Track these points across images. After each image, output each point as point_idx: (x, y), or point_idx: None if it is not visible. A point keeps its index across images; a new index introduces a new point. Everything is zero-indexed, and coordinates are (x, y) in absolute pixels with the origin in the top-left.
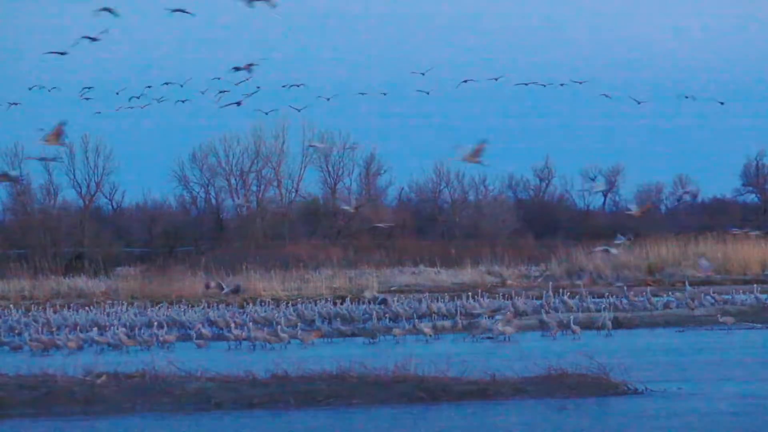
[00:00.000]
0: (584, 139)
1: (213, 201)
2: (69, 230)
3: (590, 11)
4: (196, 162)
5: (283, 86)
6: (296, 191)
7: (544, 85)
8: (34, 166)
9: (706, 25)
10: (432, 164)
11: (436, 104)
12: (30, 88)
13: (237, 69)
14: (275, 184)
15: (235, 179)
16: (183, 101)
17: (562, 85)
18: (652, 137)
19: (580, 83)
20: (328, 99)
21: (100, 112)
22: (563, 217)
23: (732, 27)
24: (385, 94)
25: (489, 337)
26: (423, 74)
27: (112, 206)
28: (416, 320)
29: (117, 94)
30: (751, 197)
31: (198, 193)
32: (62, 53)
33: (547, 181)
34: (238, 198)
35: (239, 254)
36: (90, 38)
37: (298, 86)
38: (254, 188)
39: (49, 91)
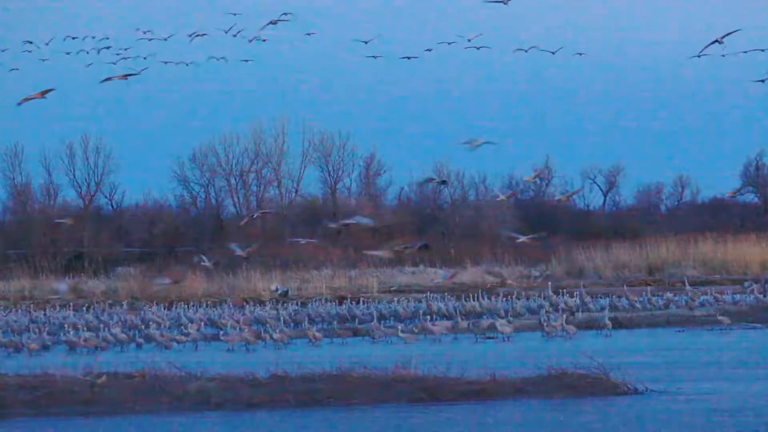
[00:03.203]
0: (584, 139)
1: (213, 201)
2: (69, 230)
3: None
4: (196, 162)
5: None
6: (296, 191)
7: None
8: (35, 165)
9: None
10: (432, 164)
11: (436, 104)
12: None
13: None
14: (275, 184)
15: (235, 179)
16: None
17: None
18: (653, 137)
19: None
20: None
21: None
22: (563, 217)
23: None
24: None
25: (489, 337)
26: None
27: (112, 206)
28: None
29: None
30: (751, 197)
31: (198, 193)
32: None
33: (547, 181)
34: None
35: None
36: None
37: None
38: (254, 188)
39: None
